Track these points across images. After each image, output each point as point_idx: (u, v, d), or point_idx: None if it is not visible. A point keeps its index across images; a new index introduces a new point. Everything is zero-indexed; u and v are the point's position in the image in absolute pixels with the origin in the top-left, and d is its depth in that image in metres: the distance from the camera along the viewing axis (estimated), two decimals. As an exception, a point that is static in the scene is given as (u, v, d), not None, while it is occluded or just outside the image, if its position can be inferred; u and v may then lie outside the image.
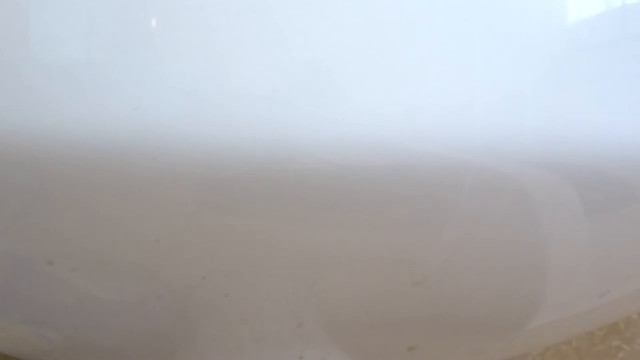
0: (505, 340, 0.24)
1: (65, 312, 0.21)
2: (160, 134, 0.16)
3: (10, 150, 0.17)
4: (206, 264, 0.19)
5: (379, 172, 0.17)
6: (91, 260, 0.19)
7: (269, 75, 0.16)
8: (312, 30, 0.16)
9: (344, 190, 0.17)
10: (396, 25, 0.16)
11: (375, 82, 0.16)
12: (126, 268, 0.19)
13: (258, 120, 0.16)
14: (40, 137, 0.16)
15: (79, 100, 0.16)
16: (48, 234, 0.18)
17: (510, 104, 0.17)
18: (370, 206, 0.17)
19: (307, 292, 0.20)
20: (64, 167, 0.17)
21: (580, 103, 0.17)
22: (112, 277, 0.20)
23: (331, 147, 0.16)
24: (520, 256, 0.19)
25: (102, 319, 0.21)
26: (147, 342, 0.22)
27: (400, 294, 0.20)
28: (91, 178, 0.17)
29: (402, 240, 0.18)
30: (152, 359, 0.23)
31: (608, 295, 0.22)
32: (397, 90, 0.16)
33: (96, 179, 0.17)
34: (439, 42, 0.16)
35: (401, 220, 0.18)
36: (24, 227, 0.18)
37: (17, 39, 0.16)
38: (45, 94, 0.16)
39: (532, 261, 0.20)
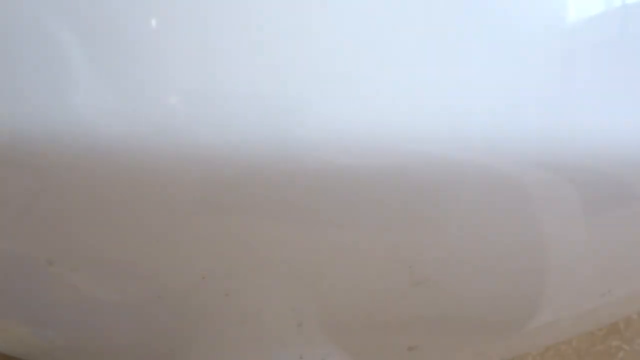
0: (505, 340, 0.24)
1: (65, 312, 0.21)
2: (160, 133, 0.16)
3: (10, 150, 0.17)
4: (206, 264, 0.19)
5: (379, 172, 0.17)
6: (91, 260, 0.19)
7: (270, 75, 0.16)
8: (312, 31, 0.16)
9: (344, 190, 0.17)
10: (396, 26, 0.16)
11: (375, 83, 0.16)
12: (126, 268, 0.19)
13: (258, 120, 0.16)
14: (40, 137, 0.16)
15: (80, 100, 0.16)
16: (48, 234, 0.18)
17: (510, 104, 0.17)
18: (370, 206, 0.17)
19: (307, 292, 0.20)
20: (64, 167, 0.17)
21: (580, 103, 0.17)
22: (112, 277, 0.20)
23: (331, 147, 0.16)
24: (520, 256, 0.19)
25: (102, 319, 0.21)
26: (147, 342, 0.22)
27: (400, 294, 0.20)
28: (91, 178, 0.17)
29: (402, 240, 0.18)
30: (152, 359, 0.23)
31: (608, 295, 0.22)
32: (397, 90, 0.16)
33: (96, 179, 0.17)
34: (439, 43, 0.16)
35: (401, 220, 0.18)
36: (24, 227, 0.18)
37: (17, 39, 0.16)
38: (45, 94, 0.16)
39: (532, 261, 0.20)
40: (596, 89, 0.17)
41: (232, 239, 0.18)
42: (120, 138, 0.16)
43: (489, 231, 0.18)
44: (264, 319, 0.21)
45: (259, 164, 0.16)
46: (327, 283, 0.19)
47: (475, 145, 0.17)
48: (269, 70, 0.16)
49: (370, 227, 0.18)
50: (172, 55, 0.16)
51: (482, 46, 0.16)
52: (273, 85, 0.16)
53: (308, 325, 0.21)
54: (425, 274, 0.19)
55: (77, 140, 0.16)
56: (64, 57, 0.16)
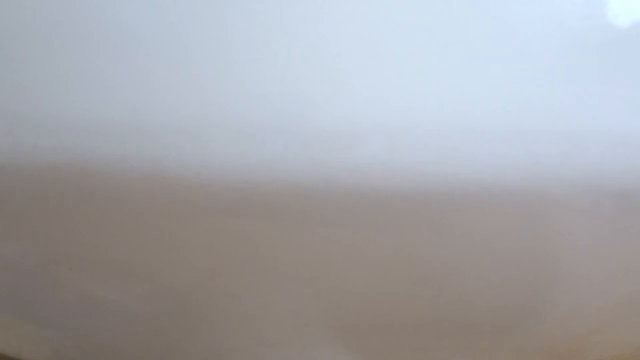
0: (512, 343, 0.24)
1: (66, 312, 0.21)
2: (160, 133, 0.16)
3: (10, 150, 0.17)
4: (206, 264, 0.19)
5: (383, 173, 0.17)
6: (91, 260, 0.19)
7: (271, 75, 0.16)
8: (316, 32, 0.16)
9: (346, 191, 0.17)
10: (400, 27, 0.16)
11: (375, 82, 0.16)
12: (126, 268, 0.19)
13: (259, 121, 0.16)
14: (40, 137, 0.16)
15: (79, 100, 0.16)
16: (48, 234, 0.18)
17: (510, 104, 0.17)
18: (374, 207, 0.17)
19: (309, 293, 0.20)
20: (64, 167, 0.17)
21: (580, 103, 0.17)
22: (112, 277, 0.20)
23: (332, 148, 0.16)
24: (522, 258, 0.19)
25: (102, 319, 0.21)
26: (147, 342, 0.22)
27: (404, 295, 0.20)
28: (91, 178, 0.17)
29: (406, 241, 0.18)
30: (152, 359, 0.23)
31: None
32: (397, 90, 0.16)
33: (96, 179, 0.17)
34: (442, 44, 0.16)
35: (405, 222, 0.18)
36: (24, 227, 0.18)
37: (18, 39, 0.16)
38: (45, 94, 0.16)
39: (534, 264, 0.20)
40: (596, 89, 0.17)
41: (233, 240, 0.18)
42: (120, 138, 0.16)
43: (495, 234, 0.18)
44: (265, 319, 0.21)
45: (260, 164, 0.16)
46: (329, 284, 0.19)
47: (476, 146, 0.17)
48: (269, 70, 0.16)
49: (374, 228, 0.18)
50: (174, 54, 0.16)
51: (484, 47, 0.16)
52: (274, 85, 0.16)
53: (310, 326, 0.21)
54: (430, 275, 0.19)
55: (77, 140, 0.16)
56: (63, 57, 0.16)
